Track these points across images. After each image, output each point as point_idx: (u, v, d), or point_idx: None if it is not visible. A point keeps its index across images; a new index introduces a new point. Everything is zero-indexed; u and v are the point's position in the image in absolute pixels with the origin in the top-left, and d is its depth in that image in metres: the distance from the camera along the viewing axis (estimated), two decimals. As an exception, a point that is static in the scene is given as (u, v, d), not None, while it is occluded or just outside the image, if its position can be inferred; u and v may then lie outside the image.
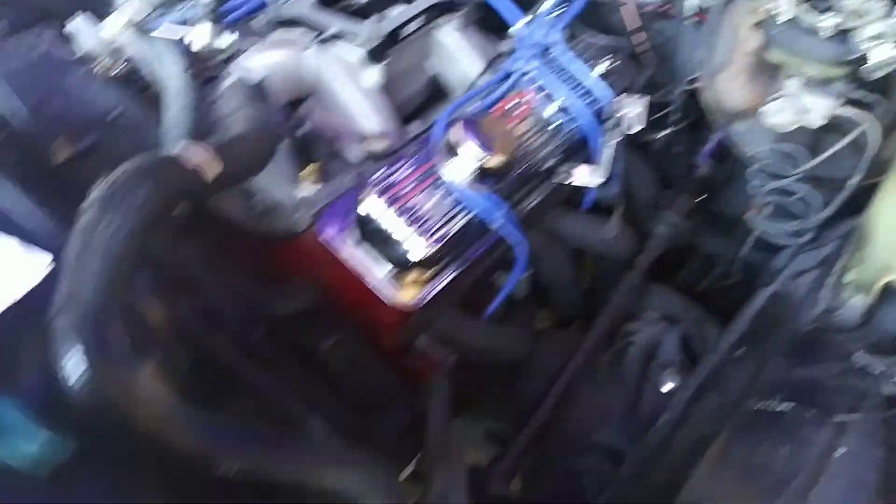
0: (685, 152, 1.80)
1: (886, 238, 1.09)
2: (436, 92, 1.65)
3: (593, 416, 1.47)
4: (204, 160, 1.02)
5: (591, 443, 1.42)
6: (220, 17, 1.36)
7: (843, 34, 1.19)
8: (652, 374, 1.57)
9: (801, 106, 1.26)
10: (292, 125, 1.28)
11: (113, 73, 1.36)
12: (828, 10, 1.20)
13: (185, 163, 0.99)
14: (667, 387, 1.53)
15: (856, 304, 1.15)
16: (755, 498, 1.03)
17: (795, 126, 1.29)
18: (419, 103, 1.62)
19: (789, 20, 1.22)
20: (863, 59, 1.19)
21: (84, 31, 1.33)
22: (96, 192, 0.90)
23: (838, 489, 1.00)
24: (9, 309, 0.82)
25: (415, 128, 1.50)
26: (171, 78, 1.33)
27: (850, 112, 1.26)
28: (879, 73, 1.18)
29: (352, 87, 1.43)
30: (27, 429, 0.77)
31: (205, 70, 1.45)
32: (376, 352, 1.34)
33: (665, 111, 1.70)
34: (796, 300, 1.29)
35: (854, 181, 1.27)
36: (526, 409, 1.52)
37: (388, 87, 1.48)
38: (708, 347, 1.59)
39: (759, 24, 1.33)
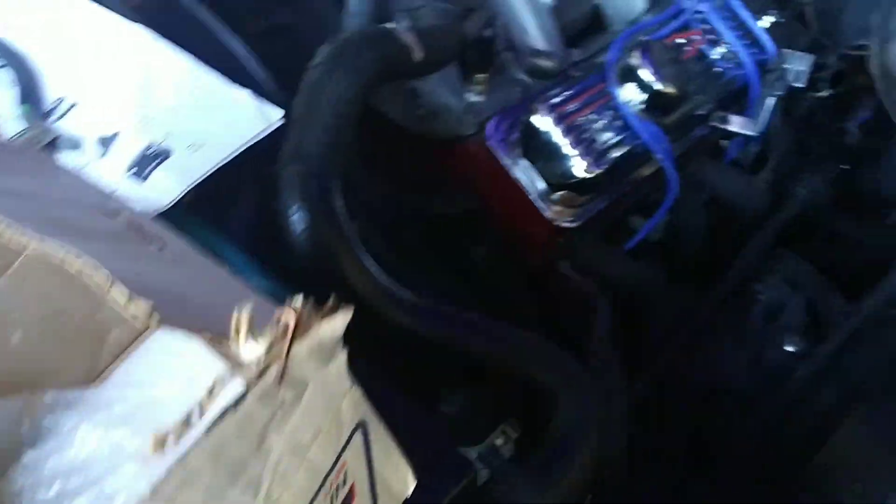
0: (831, 120, 1.77)
1: None
2: (594, 22, 1.64)
3: (719, 366, 1.47)
4: (412, 41, 1.03)
5: (721, 389, 1.42)
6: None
7: None
8: (774, 334, 1.56)
9: None
10: (479, 26, 1.27)
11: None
12: None
13: (400, 38, 1.00)
14: (791, 346, 1.51)
15: None
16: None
17: None
18: (579, 31, 1.60)
19: None
20: None
21: None
22: (323, 52, 0.91)
23: None
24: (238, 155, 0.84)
25: (578, 54, 1.49)
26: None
27: None
28: None
29: (525, 2, 1.42)
30: (254, 273, 0.79)
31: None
32: (523, 268, 1.35)
33: (822, 73, 1.66)
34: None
35: None
36: (647, 356, 1.52)
37: (557, 9, 1.46)
38: (833, 317, 1.57)
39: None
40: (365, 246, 1.07)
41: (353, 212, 1.22)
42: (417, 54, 1.03)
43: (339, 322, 0.42)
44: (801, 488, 1.11)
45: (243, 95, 0.84)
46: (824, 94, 1.63)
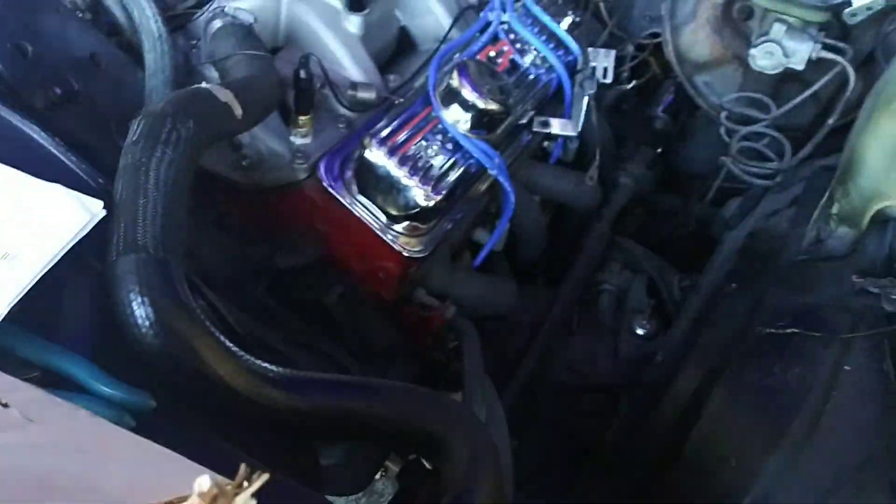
0: (640, 108, 1.86)
1: (874, 168, 1.16)
2: (402, 44, 1.63)
3: (580, 363, 1.50)
4: (230, 98, 0.97)
5: (584, 384, 1.46)
6: (199, -41, 1.29)
7: (826, -21, 1.27)
8: (625, 320, 1.62)
9: (785, 49, 1.32)
10: (294, 72, 1.22)
11: (82, 15, 1.26)
12: (811, -44, 1.27)
13: (216, 99, 0.94)
14: (641, 329, 1.58)
15: (843, 234, 1.23)
16: (775, 418, 1.09)
17: (781, 69, 1.36)
18: (389, 55, 1.59)
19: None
20: (844, 4, 1.26)
21: (52, -28, 1.23)
22: (140, 128, 0.84)
23: (850, 401, 1.07)
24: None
25: (394, 79, 1.48)
26: (148, 23, 1.25)
27: (827, 54, 1.34)
28: (860, 18, 1.26)
29: (334, 37, 1.39)
30: (101, 382, 0.71)
31: (174, 17, 1.38)
32: (378, 304, 1.32)
33: (623, 67, 1.75)
34: (779, 235, 1.36)
35: (832, 121, 1.35)
36: (511, 364, 1.53)
37: (365, 37, 1.44)
38: (673, 292, 1.66)
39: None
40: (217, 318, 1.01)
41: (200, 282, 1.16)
42: (237, 111, 0.97)
43: (253, 492, 0.36)
44: (679, 472, 1.15)
45: (56, 191, 0.76)
46: (629, 85, 1.71)
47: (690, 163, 1.91)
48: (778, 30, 1.33)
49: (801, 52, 1.33)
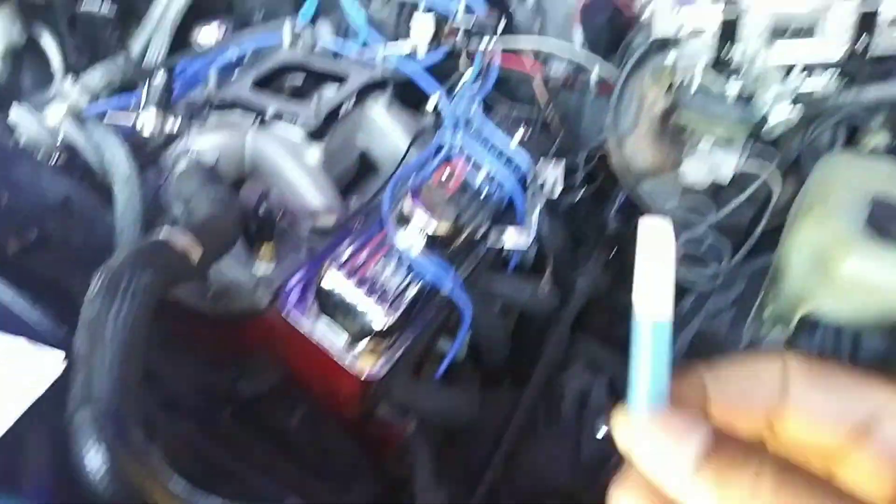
0: (594, 212, 1.95)
1: (798, 273, 1.23)
2: (363, 166, 1.72)
3: (542, 468, 1.54)
4: (187, 243, 1.04)
5: (546, 491, 1.49)
6: (165, 105, 1.39)
7: (746, 98, 1.37)
8: (587, 421, 1.67)
9: (712, 163, 1.42)
10: (253, 205, 1.31)
11: (55, 161, 1.35)
12: (731, 75, 1.37)
13: (175, 246, 1.01)
14: (601, 432, 1.62)
15: (776, 336, 1.29)
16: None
17: (710, 182, 1.45)
18: (351, 178, 1.68)
19: (700, 87, 1.38)
20: (764, 120, 1.36)
21: (26, 120, 1.32)
22: (99, 282, 0.90)
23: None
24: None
25: (354, 202, 1.56)
26: (118, 164, 1.34)
27: (753, 166, 1.43)
28: (778, 132, 1.36)
29: (295, 166, 1.48)
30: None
31: (145, 154, 1.47)
32: (341, 424, 1.37)
33: (575, 175, 1.84)
34: (720, 338, 1.43)
35: (760, 228, 1.43)
36: (475, 471, 1.57)
37: (326, 164, 1.53)
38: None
39: (666, 90, 1.50)
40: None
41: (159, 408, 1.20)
42: (196, 255, 1.05)
43: None
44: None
45: (17, 344, 0.82)
46: (577, 196, 1.81)
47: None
48: (704, 146, 1.43)
49: (727, 166, 1.43)
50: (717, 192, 1.60)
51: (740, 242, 1.58)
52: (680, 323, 1.69)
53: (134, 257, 0.94)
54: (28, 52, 1.91)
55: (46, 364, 0.82)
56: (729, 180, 1.45)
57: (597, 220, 1.93)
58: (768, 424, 0.48)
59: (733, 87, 1.34)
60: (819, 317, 1.23)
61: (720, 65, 1.35)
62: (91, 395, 0.81)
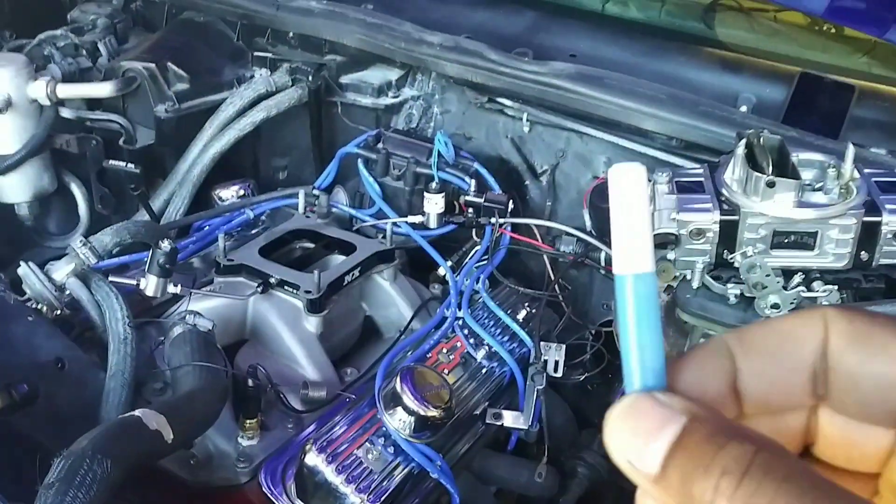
0: (601, 393, 1.91)
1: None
2: (367, 331, 1.72)
3: None
4: (161, 423, 1.03)
5: None
6: (167, 272, 1.42)
7: (746, 301, 1.35)
8: None
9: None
10: (241, 379, 1.30)
11: (56, 314, 1.37)
12: (731, 279, 1.35)
13: (148, 427, 1.00)
14: None
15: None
16: None
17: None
18: (353, 343, 1.68)
19: (700, 287, 1.37)
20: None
21: (32, 276, 1.35)
22: (58, 469, 0.89)
23: None
24: None
25: (350, 373, 1.55)
26: (116, 324, 1.35)
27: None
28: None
29: (292, 336, 1.48)
30: None
31: (147, 311, 1.49)
32: None
33: (581, 358, 1.81)
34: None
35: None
36: None
37: (325, 332, 1.53)
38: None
39: (668, 287, 1.48)
40: None
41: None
42: (168, 436, 1.03)
43: None
44: None
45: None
46: (582, 377, 1.77)
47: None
48: (705, 346, 1.40)
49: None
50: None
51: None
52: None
53: (96, 444, 0.93)
54: (56, 198, 1.98)
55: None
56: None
57: (603, 401, 1.88)
58: (813, 398, 0.38)
59: (733, 290, 1.33)
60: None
61: (721, 266, 1.35)
62: None
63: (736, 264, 1.32)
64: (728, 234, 1.32)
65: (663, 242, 1.36)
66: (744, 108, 1.75)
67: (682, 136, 1.68)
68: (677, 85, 1.78)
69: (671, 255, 1.37)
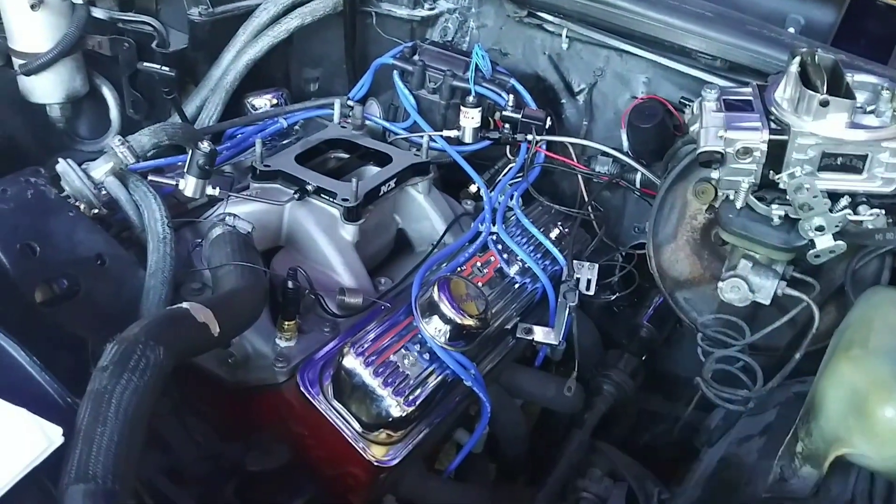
0: (628, 314, 1.92)
1: (834, 413, 1.17)
2: (399, 244, 1.72)
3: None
4: (209, 317, 1.04)
5: None
6: (207, 173, 1.41)
7: (790, 223, 1.34)
8: (602, 531, 1.60)
9: (752, 284, 1.38)
10: (282, 279, 1.30)
11: (94, 213, 1.37)
12: (775, 200, 1.34)
13: (196, 319, 1.01)
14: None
15: (807, 474, 1.23)
16: None
17: (748, 302, 1.41)
18: (385, 255, 1.68)
19: (744, 207, 1.36)
20: (807, 246, 1.33)
21: (71, 173, 1.35)
22: (111, 353, 0.90)
23: None
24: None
25: (384, 283, 1.55)
26: (154, 224, 1.35)
27: (793, 291, 1.39)
28: (822, 259, 1.32)
29: (329, 243, 1.48)
30: None
31: (182, 215, 1.49)
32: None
33: (610, 279, 1.81)
34: (748, 466, 1.37)
35: (799, 354, 1.38)
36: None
37: (360, 242, 1.53)
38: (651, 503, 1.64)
39: (709, 205, 1.47)
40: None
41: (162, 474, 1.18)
42: (215, 330, 1.04)
43: None
44: None
45: (18, 416, 0.81)
46: (613, 296, 1.77)
47: (677, 368, 1.94)
48: (744, 266, 1.40)
49: (766, 289, 1.39)
50: (754, 310, 1.56)
51: (774, 365, 1.53)
52: (707, 440, 1.63)
53: (149, 330, 0.93)
54: (88, 101, 1.96)
55: (44, 438, 0.81)
56: (769, 302, 1.41)
57: (630, 322, 1.89)
58: None
59: (778, 211, 1.32)
60: (854, 460, 1.17)
61: (765, 187, 1.33)
62: (87, 473, 0.79)
63: (782, 185, 1.31)
64: (776, 155, 1.30)
65: (708, 161, 1.34)
66: (791, 30, 1.71)
67: (728, 56, 1.64)
68: (724, 3, 1.74)
69: (715, 175, 1.35)
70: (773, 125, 1.30)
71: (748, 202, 1.36)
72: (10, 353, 0.91)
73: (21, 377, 0.90)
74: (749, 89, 1.39)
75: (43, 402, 0.89)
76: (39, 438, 0.81)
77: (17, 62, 1.76)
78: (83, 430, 0.83)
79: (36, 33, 1.74)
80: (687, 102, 1.63)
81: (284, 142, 1.79)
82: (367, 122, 1.81)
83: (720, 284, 1.44)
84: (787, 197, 1.30)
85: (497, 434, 1.62)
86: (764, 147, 1.30)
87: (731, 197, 1.37)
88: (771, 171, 1.32)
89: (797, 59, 1.31)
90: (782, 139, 1.29)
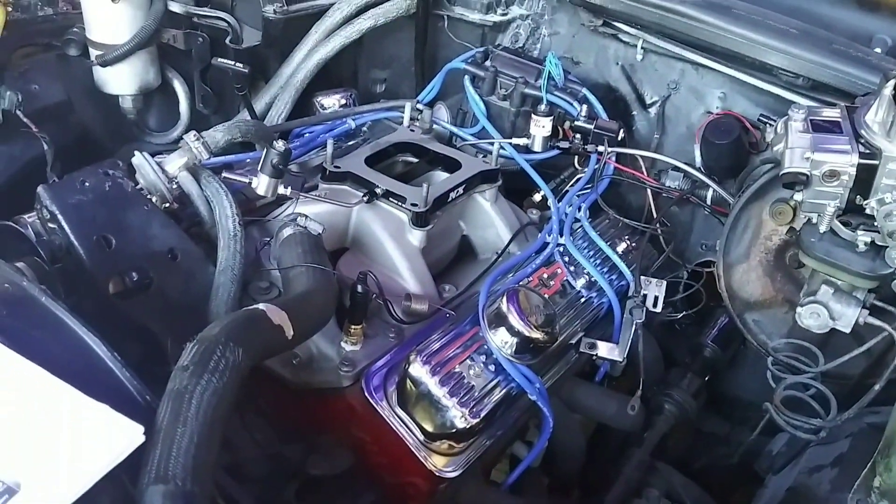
0: (692, 333, 1.88)
1: (916, 451, 1.13)
2: (461, 250, 1.70)
3: None
4: (283, 319, 1.03)
5: None
6: (280, 172, 1.40)
7: (875, 249, 1.29)
8: (657, 554, 1.57)
9: (832, 311, 1.34)
10: (351, 282, 1.30)
11: (166, 206, 1.37)
12: (861, 226, 1.30)
13: (271, 321, 1.00)
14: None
15: (885, 511, 1.18)
16: None
17: (827, 329, 1.37)
18: (449, 262, 1.66)
19: (827, 231, 1.32)
20: (893, 275, 1.28)
21: (147, 166, 1.35)
22: (192, 353, 0.89)
23: None
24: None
25: (448, 290, 1.54)
26: (226, 221, 1.36)
27: (875, 320, 1.34)
28: (909, 288, 1.28)
29: (396, 248, 1.47)
30: None
31: (253, 210, 1.49)
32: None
33: (677, 296, 1.77)
34: (819, 498, 1.32)
35: (879, 385, 1.33)
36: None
37: (426, 248, 1.52)
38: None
39: (788, 227, 1.43)
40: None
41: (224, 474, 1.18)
42: (289, 332, 1.03)
43: None
44: None
45: (101, 412, 0.81)
46: (679, 315, 1.74)
47: (739, 390, 1.90)
48: (825, 292, 1.36)
49: (847, 317, 1.35)
50: (827, 336, 1.51)
51: (848, 393, 1.48)
52: (770, 466, 1.59)
53: (230, 331, 0.93)
54: (158, 94, 1.98)
55: (125, 436, 0.80)
56: (849, 330, 1.36)
57: (692, 341, 1.85)
58: None
59: (863, 237, 1.27)
60: (935, 500, 1.13)
61: (851, 212, 1.29)
62: (166, 474, 0.79)
63: (869, 210, 1.26)
64: (864, 179, 1.26)
65: (792, 182, 1.30)
66: (878, 50, 1.66)
67: (811, 74, 1.59)
68: (809, 20, 1.69)
69: (799, 196, 1.31)
70: (862, 148, 1.26)
71: (832, 227, 1.31)
72: (92, 346, 0.92)
73: (101, 371, 0.90)
74: (837, 111, 1.35)
75: (122, 398, 0.89)
76: (122, 436, 0.80)
77: (93, 53, 1.79)
78: (163, 430, 0.82)
79: (114, 25, 1.76)
80: (766, 120, 1.59)
81: (351, 143, 1.79)
82: (436, 127, 1.80)
83: (799, 310, 1.39)
84: (875, 223, 1.25)
85: (554, 448, 1.59)
86: (853, 171, 1.25)
87: (815, 220, 1.32)
88: (858, 196, 1.27)
89: (891, 81, 1.27)
90: (872, 164, 1.25)
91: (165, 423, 0.83)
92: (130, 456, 0.82)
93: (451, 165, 1.64)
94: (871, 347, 1.44)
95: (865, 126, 1.28)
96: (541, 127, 1.73)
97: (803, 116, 1.33)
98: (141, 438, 0.81)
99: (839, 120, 1.32)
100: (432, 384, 1.27)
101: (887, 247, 1.26)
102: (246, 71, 1.74)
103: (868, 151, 1.25)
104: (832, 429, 1.49)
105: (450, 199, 1.55)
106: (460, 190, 1.57)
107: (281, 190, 1.43)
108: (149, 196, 1.38)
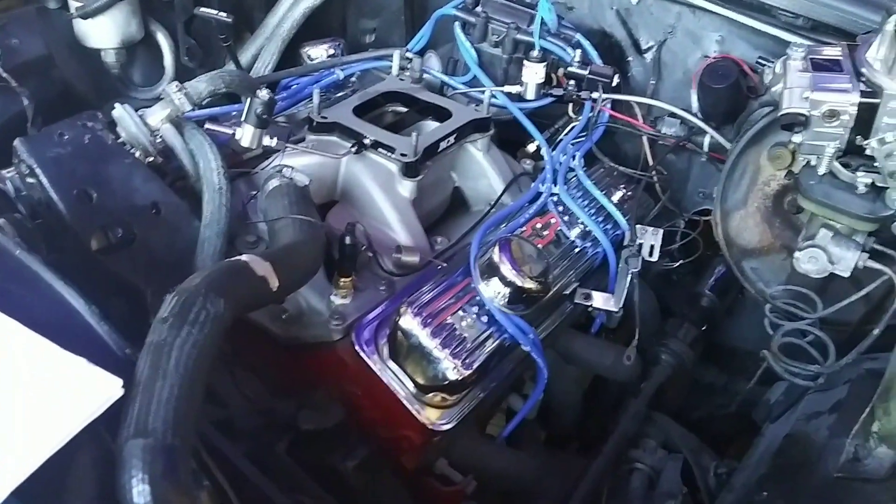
0: (689, 282, 1.85)
1: (916, 393, 1.11)
2: (454, 202, 1.67)
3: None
4: (268, 270, 1.01)
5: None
6: (264, 123, 1.37)
7: (876, 191, 1.26)
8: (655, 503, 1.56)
9: (831, 255, 1.31)
10: (339, 234, 1.27)
11: (149, 160, 1.34)
12: (861, 167, 1.26)
13: (255, 272, 0.98)
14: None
15: (883, 455, 1.17)
16: None
17: (826, 273, 1.34)
18: (441, 214, 1.63)
19: (826, 173, 1.28)
20: (893, 217, 1.25)
21: (128, 119, 1.32)
22: (171, 305, 0.87)
23: None
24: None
25: (440, 242, 1.51)
26: (210, 174, 1.32)
27: (874, 264, 1.32)
28: (910, 230, 1.25)
29: (386, 199, 1.44)
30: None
31: (239, 163, 1.45)
32: (398, 473, 1.31)
33: (674, 245, 1.75)
34: (817, 444, 1.31)
35: (878, 330, 1.31)
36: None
37: (417, 199, 1.49)
38: (708, 480, 1.60)
39: (787, 171, 1.40)
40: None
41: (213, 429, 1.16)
42: (273, 283, 1.01)
43: None
44: None
45: (78, 366, 0.79)
46: (675, 264, 1.71)
47: (736, 340, 1.88)
48: (824, 236, 1.33)
49: (846, 260, 1.32)
50: (825, 282, 1.49)
51: (846, 340, 1.46)
52: (767, 415, 1.58)
53: (210, 282, 0.90)
54: (142, 48, 1.93)
55: (104, 389, 0.78)
56: (849, 274, 1.34)
57: (689, 291, 1.83)
58: None
59: (864, 179, 1.24)
60: (935, 443, 1.11)
61: (851, 153, 1.25)
62: (146, 427, 0.77)
63: (869, 151, 1.23)
64: (865, 119, 1.23)
65: (791, 123, 1.27)
66: (881, -13, 1.61)
67: (812, 14, 1.55)
68: (809, -43, 1.64)
69: (798, 138, 1.28)
70: (863, 87, 1.22)
71: (832, 168, 1.28)
72: (69, 300, 0.89)
73: (79, 325, 0.88)
74: (838, 49, 1.31)
75: (101, 352, 0.86)
76: (100, 389, 0.78)
77: (73, 5, 1.73)
78: (142, 383, 0.80)
79: (91, -24, 1.71)
80: (765, 63, 1.54)
81: (340, 94, 1.74)
82: (426, 76, 1.76)
83: (797, 254, 1.37)
84: (876, 164, 1.22)
85: (550, 401, 1.58)
86: (853, 110, 1.22)
87: (813, 163, 1.29)
88: (858, 137, 1.24)
89: (894, 17, 1.23)
90: (873, 102, 1.21)
91: (144, 376, 0.81)
92: (110, 410, 0.80)
93: (442, 114, 1.60)
94: (869, 293, 1.42)
95: (867, 64, 1.24)
96: (534, 73, 1.69)
97: (803, 55, 1.29)
98: (119, 391, 0.79)
99: (840, 58, 1.28)
100: (423, 336, 1.25)
101: (888, 188, 1.23)
102: (230, 21, 1.69)
103: (869, 90, 1.22)
104: (830, 375, 1.47)
105: (440, 148, 1.51)
106: (451, 139, 1.54)
107: (266, 141, 1.39)
108: (131, 150, 1.34)
